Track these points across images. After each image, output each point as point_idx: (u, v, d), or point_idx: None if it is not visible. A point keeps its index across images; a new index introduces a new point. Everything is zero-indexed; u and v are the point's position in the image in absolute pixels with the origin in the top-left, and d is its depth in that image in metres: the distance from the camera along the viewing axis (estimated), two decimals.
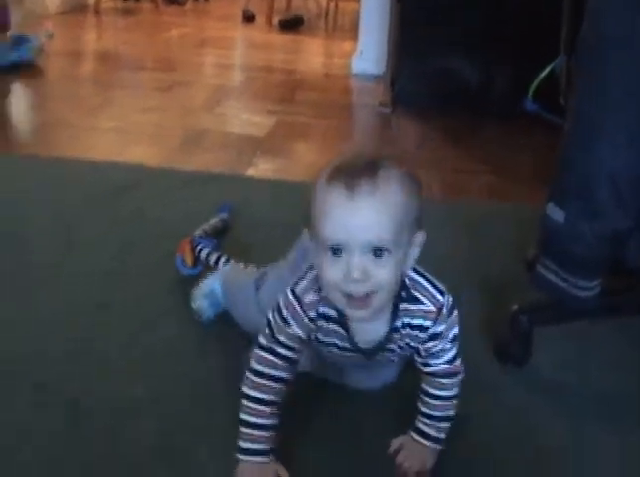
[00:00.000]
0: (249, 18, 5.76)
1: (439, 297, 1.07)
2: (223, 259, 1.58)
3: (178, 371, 1.33)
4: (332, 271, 0.97)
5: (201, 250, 1.61)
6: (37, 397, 1.24)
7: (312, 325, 1.08)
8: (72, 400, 1.23)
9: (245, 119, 3.05)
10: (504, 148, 2.82)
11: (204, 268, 1.60)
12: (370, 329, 1.10)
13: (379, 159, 0.97)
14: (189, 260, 1.60)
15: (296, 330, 1.08)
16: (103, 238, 1.81)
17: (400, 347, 1.13)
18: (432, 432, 1.14)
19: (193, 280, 1.55)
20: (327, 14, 6.19)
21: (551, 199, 1.22)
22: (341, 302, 1.00)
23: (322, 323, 1.09)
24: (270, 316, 1.10)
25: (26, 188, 2.08)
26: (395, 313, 1.08)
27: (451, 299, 1.08)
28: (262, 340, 1.11)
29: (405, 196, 0.96)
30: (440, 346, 1.10)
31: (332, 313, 1.08)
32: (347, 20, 5.89)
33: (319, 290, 1.06)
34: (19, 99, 3.25)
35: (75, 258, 1.71)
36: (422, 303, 1.07)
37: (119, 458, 1.12)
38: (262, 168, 2.45)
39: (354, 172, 0.94)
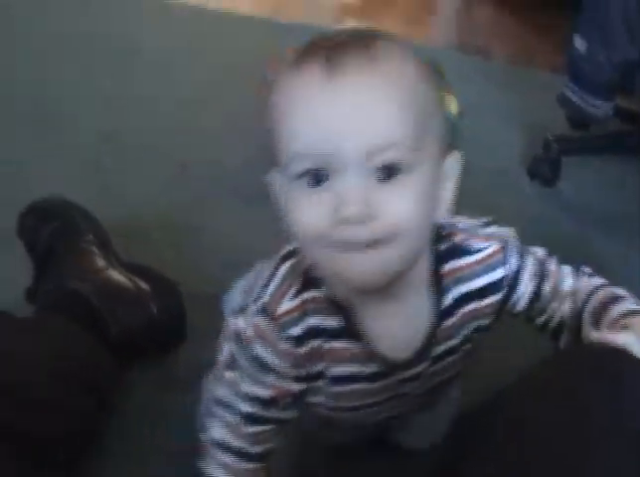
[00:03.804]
0: None
1: (499, 230, 0.69)
2: None
3: None
4: (311, 213, 0.56)
5: None
6: None
7: (300, 352, 0.66)
8: None
9: None
10: None
11: None
12: (397, 323, 0.66)
13: (375, 32, 0.61)
14: None
15: (280, 370, 0.67)
16: None
17: (462, 341, 0.70)
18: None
19: None
20: None
21: (577, 31, 1.52)
22: (333, 267, 0.58)
23: (317, 345, 0.66)
24: (225, 354, 0.71)
25: None
26: (437, 283, 0.66)
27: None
28: (219, 391, 0.71)
29: (423, 82, 0.60)
30: (531, 286, 0.70)
31: (330, 323, 0.65)
32: None
33: (299, 291, 0.65)
34: None
35: None
36: (477, 250, 0.67)
37: None
38: None
39: (337, 44, 0.57)
